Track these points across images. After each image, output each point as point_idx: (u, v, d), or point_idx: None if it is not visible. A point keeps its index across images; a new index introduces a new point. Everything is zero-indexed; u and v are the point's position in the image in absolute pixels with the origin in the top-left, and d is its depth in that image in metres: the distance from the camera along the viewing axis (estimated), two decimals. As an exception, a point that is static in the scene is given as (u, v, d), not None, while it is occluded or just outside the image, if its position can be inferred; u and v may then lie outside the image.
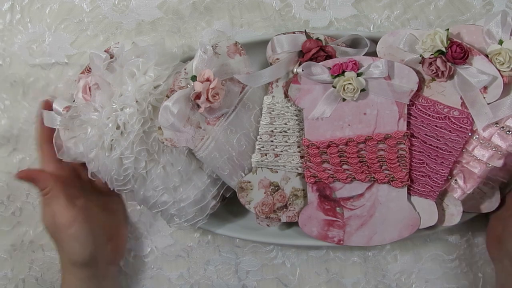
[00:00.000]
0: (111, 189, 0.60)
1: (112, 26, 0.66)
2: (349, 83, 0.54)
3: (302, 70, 0.55)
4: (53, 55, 0.65)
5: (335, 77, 0.55)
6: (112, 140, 0.56)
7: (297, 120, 0.59)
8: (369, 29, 0.65)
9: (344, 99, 0.56)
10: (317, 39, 0.58)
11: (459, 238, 0.68)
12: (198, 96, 0.55)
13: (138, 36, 0.65)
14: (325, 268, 0.70)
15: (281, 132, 0.59)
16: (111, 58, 0.57)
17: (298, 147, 0.60)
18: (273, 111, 0.59)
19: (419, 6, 0.64)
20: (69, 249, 0.60)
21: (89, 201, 0.62)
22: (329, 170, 0.58)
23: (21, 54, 0.66)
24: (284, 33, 0.58)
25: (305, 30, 0.58)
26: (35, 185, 0.60)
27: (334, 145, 0.57)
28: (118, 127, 0.56)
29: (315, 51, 0.57)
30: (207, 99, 0.55)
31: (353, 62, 0.54)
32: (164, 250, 0.70)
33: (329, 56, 0.57)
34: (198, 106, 0.55)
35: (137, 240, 0.70)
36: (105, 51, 0.58)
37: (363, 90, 0.55)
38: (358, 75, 0.54)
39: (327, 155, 0.58)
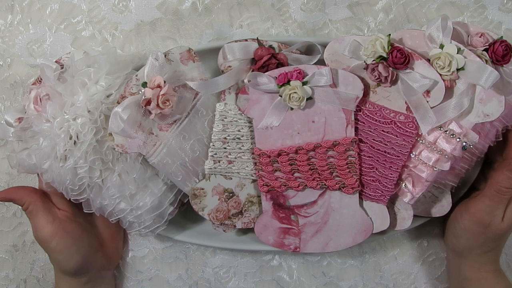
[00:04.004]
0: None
1: (112, 27, 0.66)
2: (294, 92, 0.54)
3: (249, 81, 0.55)
4: (54, 56, 0.64)
5: (281, 86, 0.55)
6: (65, 150, 0.56)
7: (250, 127, 0.59)
8: (363, 32, 0.65)
9: (292, 108, 0.56)
10: (270, 46, 0.59)
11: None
12: (148, 102, 0.55)
13: (137, 36, 0.66)
14: (322, 272, 0.70)
15: (234, 139, 0.60)
16: (61, 68, 0.58)
17: (252, 154, 0.60)
18: (225, 118, 0.59)
19: (413, 10, 0.65)
20: (55, 261, 0.61)
21: (76, 210, 0.63)
22: (281, 178, 0.59)
23: (22, 54, 0.67)
24: (236, 41, 0.58)
25: (257, 38, 0.59)
26: (15, 203, 0.61)
27: (285, 153, 0.57)
28: (70, 137, 0.56)
29: (266, 58, 0.57)
30: (158, 105, 0.55)
31: (298, 71, 0.54)
32: (163, 252, 0.70)
33: (281, 64, 0.57)
34: (150, 112, 0.56)
35: (135, 241, 0.70)
36: (56, 61, 0.58)
37: (309, 98, 0.55)
38: (304, 83, 0.55)
39: (278, 163, 0.58)
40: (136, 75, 0.57)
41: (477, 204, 0.58)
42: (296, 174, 0.58)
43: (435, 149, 0.55)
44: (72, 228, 0.61)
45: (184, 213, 0.66)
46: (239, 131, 0.60)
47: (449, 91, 0.53)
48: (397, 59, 0.52)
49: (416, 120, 0.54)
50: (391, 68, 0.53)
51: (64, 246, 0.59)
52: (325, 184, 0.58)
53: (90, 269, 0.62)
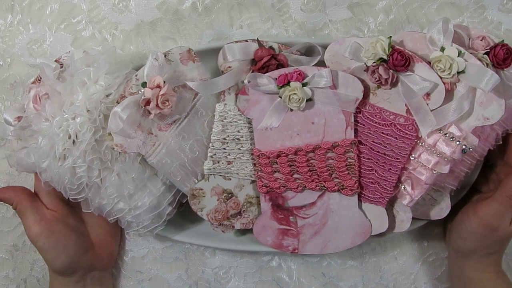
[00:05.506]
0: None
1: (112, 27, 0.66)
2: (294, 93, 0.54)
3: (248, 82, 0.55)
4: (54, 56, 0.64)
5: (281, 87, 0.55)
6: (64, 149, 0.56)
7: (249, 128, 0.59)
8: (363, 32, 0.65)
9: (291, 109, 0.56)
10: (270, 47, 0.58)
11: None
12: (148, 102, 0.55)
13: (137, 36, 0.66)
14: (322, 273, 0.70)
15: (233, 139, 0.59)
16: (61, 67, 0.57)
17: (251, 154, 0.60)
18: (225, 118, 0.59)
19: (413, 10, 0.65)
20: (44, 259, 0.61)
21: (66, 210, 0.63)
22: (280, 179, 0.58)
23: (22, 54, 0.67)
24: (236, 41, 0.58)
25: (257, 38, 0.58)
26: (5, 203, 0.61)
27: (284, 154, 0.57)
28: (69, 137, 0.56)
29: (266, 59, 0.57)
30: (157, 105, 0.55)
31: (298, 73, 0.54)
32: (162, 252, 0.70)
33: (281, 65, 0.57)
34: (149, 112, 0.56)
35: (135, 241, 0.70)
36: (55, 60, 0.58)
37: (309, 99, 0.55)
38: (304, 85, 0.54)
39: (277, 164, 0.58)
40: (136, 75, 0.56)
41: (486, 208, 0.59)
42: (295, 175, 0.58)
43: (434, 152, 0.54)
44: (59, 228, 0.61)
45: (183, 213, 0.65)
46: (238, 131, 0.59)
47: (449, 94, 0.53)
48: (397, 61, 0.51)
49: (416, 123, 0.54)
50: (391, 70, 0.53)
51: (50, 246, 0.59)
52: (324, 186, 0.58)
53: (79, 269, 0.62)
